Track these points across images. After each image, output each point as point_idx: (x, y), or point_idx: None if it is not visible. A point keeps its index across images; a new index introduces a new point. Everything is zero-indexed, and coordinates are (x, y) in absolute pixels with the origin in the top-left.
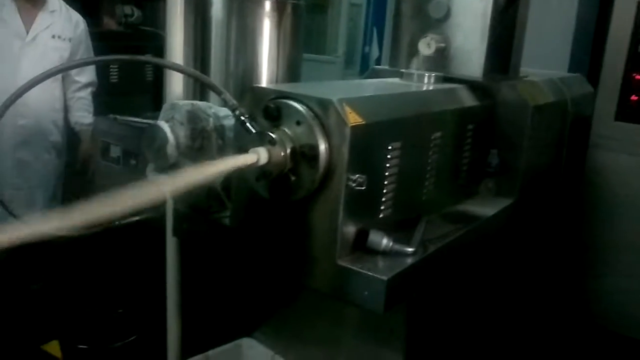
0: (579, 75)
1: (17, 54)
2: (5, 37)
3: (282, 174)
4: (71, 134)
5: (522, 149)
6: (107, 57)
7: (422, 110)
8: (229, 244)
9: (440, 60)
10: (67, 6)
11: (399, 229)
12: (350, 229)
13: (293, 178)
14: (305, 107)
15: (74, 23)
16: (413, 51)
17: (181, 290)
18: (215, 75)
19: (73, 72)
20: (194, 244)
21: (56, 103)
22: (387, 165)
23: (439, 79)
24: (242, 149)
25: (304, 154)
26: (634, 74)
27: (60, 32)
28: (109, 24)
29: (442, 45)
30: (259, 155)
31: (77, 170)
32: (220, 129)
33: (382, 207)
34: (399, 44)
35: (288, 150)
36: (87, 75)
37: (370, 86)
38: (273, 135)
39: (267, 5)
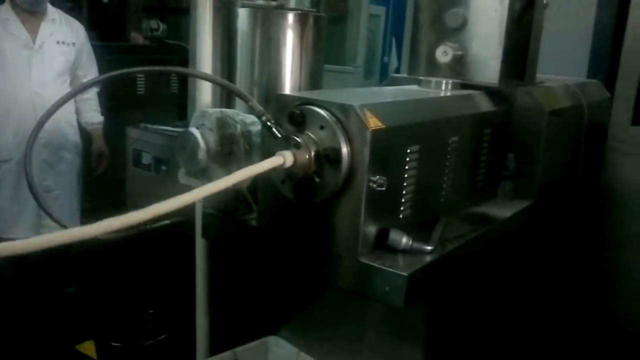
0: (596, 81)
1: (28, 61)
2: (16, 48)
3: (306, 176)
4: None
5: (538, 153)
6: (140, 68)
7: (440, 115)
8: (256, 245)
9: (457, 67)
10: (66, 15)
11: (419, 229)
12: (372, 228)
13: (317, 180)
14: (328, 113)
15: (75, 29)
16: (431, 59)
17: (209, 290)
18: (241, 84)
19: (80, 74)
20: (222, 246)
21: (69, 105)
22: (407, 167)
23: (456, 86)
24: (269, 153)
25: (327, 157)
26: None
27: (63, 37)
28: (136, 38)
29: (459, 53)
30: (285, 158)
31: (91, 168)
32: (247, 135)
33: (401, 208)
34: (417, 53)
35: (312, 153)
36: (91, 76)
37: (390, 93)
38: (298, 139)
39: (290, 17)
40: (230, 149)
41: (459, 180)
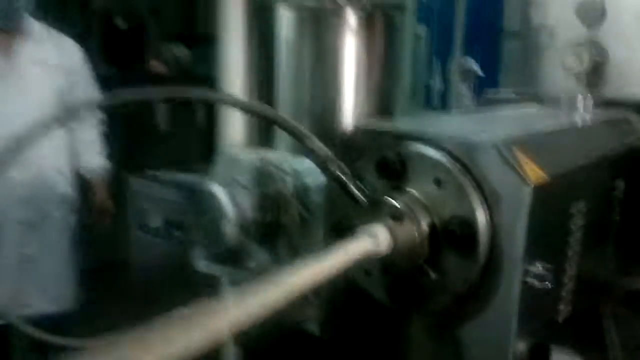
0: None
1: None
2: None
3: (413, 267)
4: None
5: None
6: (143, 92)
7: (602, 153)
8: None
9: (594, 79)
10: (57, 32)
11: (575, 332)
12: (523, 347)
13: (433, 275)
14: (448, 157)
15: (65, 49)
16: (548, 70)
17: None
18: (283, 112)
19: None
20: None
21: (59, 147)
22: (570, 240)
23: (598, 103)
24: (344, 227)
25: (452, 234)
26: None
27: (44, 57)
28: (156, 66)
29: (598, 59)
30: (378, 240)
31: (90, 227)
32: (303, 194)
33: (560, 306)
34: (528, 62)
35: (424, 228)
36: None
37: (517, 120)
38: (397, 205)
39: (352, 19)
40: (276, 218)
41: (620, 244)
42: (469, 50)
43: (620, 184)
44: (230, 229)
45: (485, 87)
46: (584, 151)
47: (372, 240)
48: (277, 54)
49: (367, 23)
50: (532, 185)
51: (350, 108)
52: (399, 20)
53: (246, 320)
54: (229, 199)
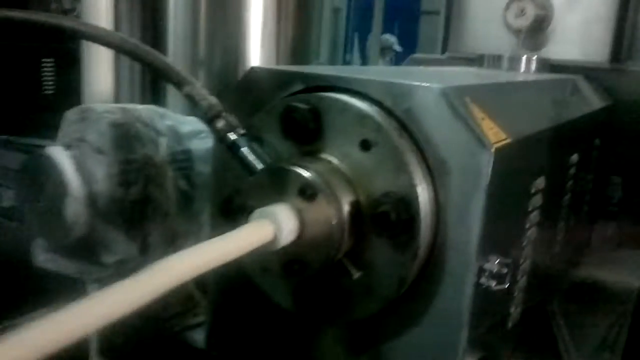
0: None
1: None
2: None
3: (328, 262)
4: None
5: None
6: None
7: (560, 120)
8: None
9: (537, 37)
10: None
11: (525, 338)
12: None
13: (356, 273)
14: (378, 110)
15: None
16: (488, 28)
17: None
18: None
19: None
20: None
21: None
22: (527, 226)
23: (544, 66)
24: (235, 207)
25: (384, 218)
26: None
27: None
28: None
29: (542, 13)
30: (278, 224)
31: None
32: (183, 161)
33: (511, 309)
34: (461, 19)
35: (345, 209)
36: None
37: (462, 74)
38: (307, 176)
39: None
40: (145, 194)
41: (570, 230)
42: (388, 28)
43: (575, 159)
44: (77, 210)
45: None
46: (544, 114)
47: (271, 225)
48: None
49: None
50: (493, 149)
51: (256, 61)
52: None
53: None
54: (74, 168)
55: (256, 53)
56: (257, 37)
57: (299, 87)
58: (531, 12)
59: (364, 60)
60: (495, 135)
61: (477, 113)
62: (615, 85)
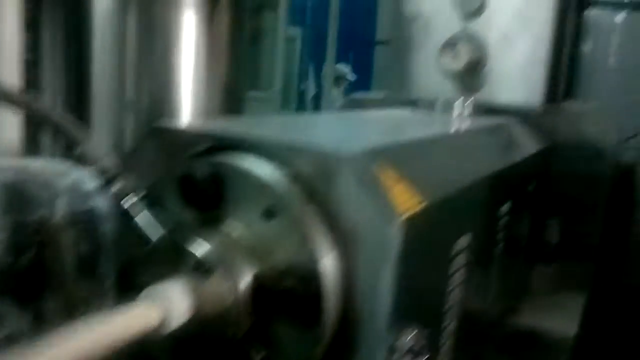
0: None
1: None
2: None
3: (227, 342)
4: None
5: (597, 211)
6: None
7: (488, 170)
8: None
9: (472, 80)
10: None
11: None
12: None
13: (258, 355)
14: (283, 175)
15: None
16: (426, 69)
17: None
18: (99, 108)
19: None
20: None
21: None
22: (451, 288)
23: (479, 109)
24: (131, 279)
25: (288, 294)
26: None
27: None
28: None
29: (477, 56)
30: (166, 309)
31: None
32: (86, 221)
33: None
34: (401, 58)
35: (245, 284)
36: None
37: (385, 125)
38: (204, 250)
39: None
40: (38, 260)
41: (504, 280)
42: (343, 57)
43: (505, 209)
44: None
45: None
46: (469, 167)
47: (158, 309)
48: (88, 30)
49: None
50: (403, 217)
51: (187, 104)
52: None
53: None
54: None
55: (187, 95)
56: (187, 77)
57: (204, 146)
58: (465, 54)
59: (319, 89)
60: (408, 201)
61: (389, 178)
62: (551, 127)
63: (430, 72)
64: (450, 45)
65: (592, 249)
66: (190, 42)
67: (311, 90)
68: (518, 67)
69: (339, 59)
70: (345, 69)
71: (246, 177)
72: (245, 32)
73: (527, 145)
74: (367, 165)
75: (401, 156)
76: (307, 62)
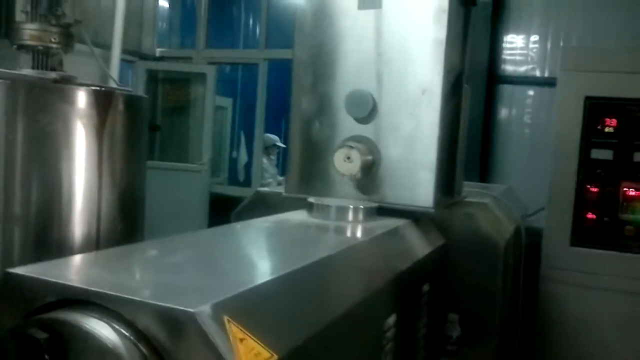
0: (509, 187)
1: None
2: None
3: None
4: None
5: (496, 301)
6: None
7: (371, 287)
8: None
9: (366, 182)
10: None
11: None
12: None
13: None
14: (124, 334)
15: None
16: (322, 170)
17: None
18: None
19: None
20: None
21: None
22: None
23: (371, 212)
24: None
25: None
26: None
27: None
28: None
29: (369, 158)
30: None
31: None
32: None
33: None
34: (302, 158)
35: None
36: None
37: (261, 246)
38: None
39: (81, 98)
40: None
41: None
42: (274, 126)
43: (391, 321)
44: None
45: None
46: (349, 291)
47: None
48: None
49: (102, 103)
50: None
51: (78, 211)
52: (145, 103)
53: None
54: None
55: (78, 202)
56: (79, 184)
57: (51, 298)
58: (357, 158)
59: (250, 157)
60: (255, 357)
61: (235, 335)
62: (444, 226)
63: (334, 172)
64: (342, 149)
65: (494, 333)
66: (81, 150)
67: (243, 159)
68: (411, 170)
69: (271, 128)
70: (273, 138)
71: (86, 340)
72: (144, 134)
73: (420, 247)
74: (215, 321)
75: (259, 303)
76: (238, 132)
